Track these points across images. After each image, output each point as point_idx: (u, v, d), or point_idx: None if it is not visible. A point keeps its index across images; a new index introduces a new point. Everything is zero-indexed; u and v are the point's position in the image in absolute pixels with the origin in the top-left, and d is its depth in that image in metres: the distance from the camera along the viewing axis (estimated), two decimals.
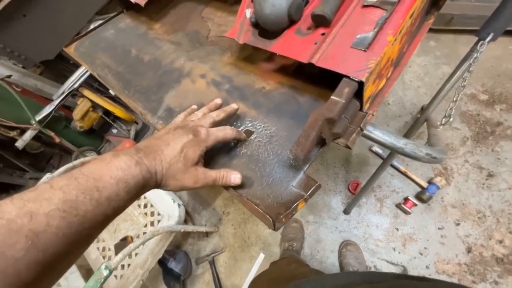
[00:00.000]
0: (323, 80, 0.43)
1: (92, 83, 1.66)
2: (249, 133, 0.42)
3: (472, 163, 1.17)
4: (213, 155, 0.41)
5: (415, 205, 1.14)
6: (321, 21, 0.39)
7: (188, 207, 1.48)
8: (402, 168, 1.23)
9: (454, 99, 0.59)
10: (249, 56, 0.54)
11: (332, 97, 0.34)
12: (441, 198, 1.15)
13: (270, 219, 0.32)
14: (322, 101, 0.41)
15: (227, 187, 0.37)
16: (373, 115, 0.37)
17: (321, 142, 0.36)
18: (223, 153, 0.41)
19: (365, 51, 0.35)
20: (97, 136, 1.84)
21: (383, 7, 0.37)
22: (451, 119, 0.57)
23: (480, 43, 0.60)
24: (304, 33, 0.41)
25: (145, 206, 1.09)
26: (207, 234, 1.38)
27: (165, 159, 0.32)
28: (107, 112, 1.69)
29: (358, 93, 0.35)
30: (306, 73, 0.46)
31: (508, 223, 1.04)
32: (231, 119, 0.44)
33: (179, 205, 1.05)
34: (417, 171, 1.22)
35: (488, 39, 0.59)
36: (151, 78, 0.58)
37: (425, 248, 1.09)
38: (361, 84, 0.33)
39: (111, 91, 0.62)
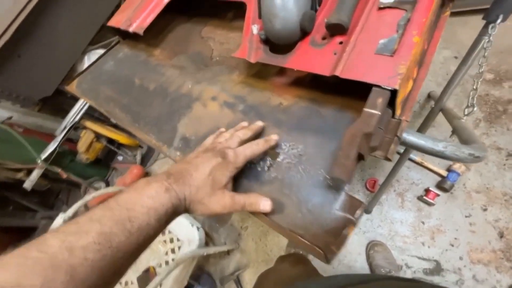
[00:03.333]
0: (343, 88, 0.41)
1: (92, 113, 1.65)
2: (275, 154, 0.40)
3: (489, 144, 1.14)
4: (242, 183, 0.39)
5: (438, 195, 1.11)
6: (337, 30, 0.37)
7: (204, 226, 1.44)
8: (418, 159, 1.20)
9: (474, 87, 0.57)
10: (259, 72, 0.52)
11: (365, 109, 0.32)
12: (463, 185, 1.12)
13: (321, 251, 0.29)
14: (348, 111, 0.39)
15: (264, 218, 0.34)
16: (407, 121, 0.35)
17: (359, 158, 0.34)
18: (252, 180, 0.39)
19: (391, 56, 0.33)
20: (103, 165, 1.82)
21: (402, 7, 0.35)
22: (475, 108, 0.54)
23: (490, 26, 0.58)
24: (320, 44, 0.39)
25: (163, 233, 1.06)
26: (228, 252, 1.34)
27: (194, 183, 0.32)
28: (111, 141, 1.68)
29: (390, 101, 0.33)
30: (324, 83, 0.44)
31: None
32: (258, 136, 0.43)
33: (198, 228, 1.02)
34: (434, 160, 1.19)
35: (498, 21, 0.57)
36: (159, 107, 0.56)
37: (455, 238, 1.05)
38: (394, 92, 0.31)
39: (117, 122, 0.60)
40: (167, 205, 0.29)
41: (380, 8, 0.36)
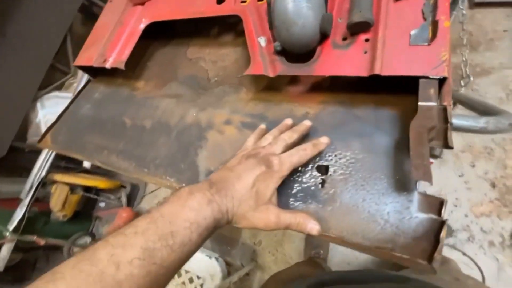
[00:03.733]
0: (367, 85, 0.40)
1: (59, 164, 1.47)
2: (323, 169, 0.37)
3: (461, 107, 1.25)
4: (300, 208, 0.35)
5: (432, 163, 1.18)
6: (361, 28, 0.35)
7: (215, 252, 1.36)
8: None
9: (463, 59, 0.60)
10: (269, 85, 0.49)
11: (421, 103, 0.30)
12: None
13: (425, 262, 0.27)
14: (384, 108, 0.38)
15: (343, 242, 0.31)
16: (451, 105, 0.35)
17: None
18: (311, 202, 0.36)
19: (429, 45, 0.32)
20: (84, 217, 1.63)
21: None
22: (471, 78, 0.58)
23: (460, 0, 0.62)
24: (344, 45, 0.37)
25: (179, 275, 0.97)
26: (248, 273, 1.28)
27: (236, 195, 0.31)
28: (87, 188, 1.50)
29: None
30: (345, 83, 0.43)
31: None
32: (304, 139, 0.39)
33: (217, 259, 0.95)
34: None
35: None
36: (167, 145, 0.50)
37: (456, 199, 1.13)
38: (442, 80, 0.31)
39: (120, 172, 0.52)
40: (209, 219, 0.28)
41: (396, 0, 0.36)
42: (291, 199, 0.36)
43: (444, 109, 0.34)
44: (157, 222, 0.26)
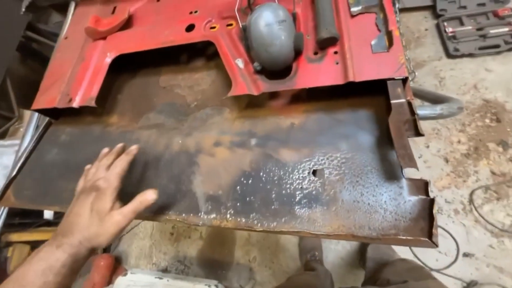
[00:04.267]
0: (341, 90, 0.45)
1: (12, 221, 1.28)
2: (320, 172, 0.40)
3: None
4: (306, 213, 0.37)
5: None
6: (329, 42, 0.40)
7: (213, 280, 1.29)
8: None
9: (406, 58, 0.70)
10: (251, 102, 0.51)
11: (393, 101, 0.35)
12: None
13: (426, 239, 0.31)
14: (360, 109, 0.43)
15: (351, 237, 0.34)
16: (413, 99, 0.40)
17: None
18: (316, 206, 0.37)
19: (388, 51, 0.37)
20: None
21: (370, 11, 0.41)
22: (416, 73, 0.67)
23: None
24: (317, 59, 0.41)
25: None
26: None
27: (82, 226, 0.35)
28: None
29: None
30: (320, 92, 0.47)
31: (454, 126, 1.31)
32: (135, 159, 0.45)
33: (216, 286, 0.91)
34: None
35: None
36: (157, 177, 0.48)
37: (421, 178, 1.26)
38: (405, 80, 0.36)
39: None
40: (63, 257, 0.32)
41: (353, 16, 0.41)
42: (296, 207, 0.38)
43: (410, 103, 0.40)
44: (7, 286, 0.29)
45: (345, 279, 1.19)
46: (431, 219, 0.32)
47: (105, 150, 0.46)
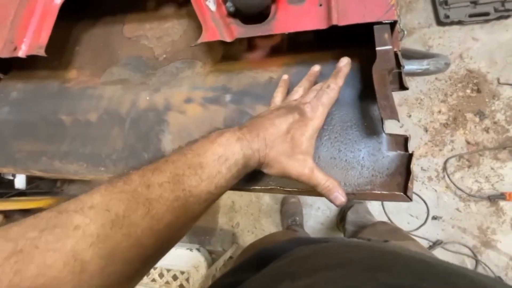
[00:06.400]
0: (324, 41, 0.41)
1: None
2: None
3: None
4: None
5: None
6: None
7: (194, 244, 1.33)
8: None
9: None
10: (226, 54, 0.46)
11: (378, 48, 0.32)
12: None
13: (401, 193, 0.30)
14: None
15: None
16: (399, 50, 0.37)
17: None
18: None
19: None
20: None
21: None
22: (405, 32, 0.63)
23: None
24: (297, 0, 0.36)
25: (161, 275, 0.92)
26: (231, 257, 1.28)
27: (270, 137, 0.30)
28: (27, 211, 1.28)
29: None
30: (303, 42, 0.43)
31: (437, 96, 1.32)
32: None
33: (198, 249, 0.92)
34: None
35: None
36: (122, 137, 0.44)
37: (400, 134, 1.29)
38: (393, 24, 0.32)
39: (69, 177, 0.45)
40: (238, 154, 0.28)
41: None
42: None
43: (396, 54, 0.37)
44: (187, 154, 0.27)
45: None
46: (408, 174, 0.31)
47: (317, 67, 0.37)
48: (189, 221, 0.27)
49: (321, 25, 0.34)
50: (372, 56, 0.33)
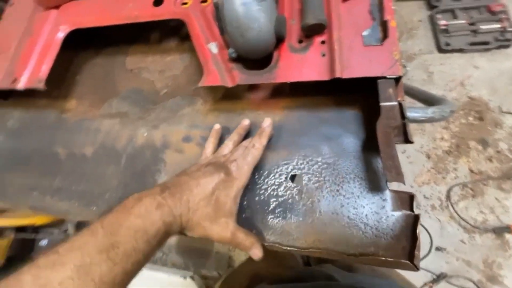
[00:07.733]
0: (328, 85, 0.40)
1: None
2: (299, 178, 0.36)
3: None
4: (284, 225, 0.33)
5: None
6: (316, 30, 0.35)
7: (189, 268, 1.28)
8: None
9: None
10: (227, 93, 0.45)
11: (382, 104, 0.31)
12: None
13: (407, 262, 0.28)
14: (346, 108, 0.38)
15: (331, 253, 0.30)
16: (404, 99, 0.36)
17: None
18: (292, 217, 0.34)
19: (381, 45, 0.33)
20: (22, 263, 1.35)
21: None
22: (408, 68, 0.63)
23: None
24: (301, 48, 0.36)
25: None
26: None
27: (194, 199, 0.29)
28: (21, 228, 1.25)
29: None
30: (305, 86, 0.42)
31: (439, 122, 1.31)
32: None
33: (192, 278, 0.89)
34: None
35: None
36: (117, 174, 0.43)
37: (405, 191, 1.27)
38: (398, 79, 0.32)
39: (58, 216, 0.43)
40: (158, 224, 0.26)
41: (344, 0, 0.36)
42: (270, 217, 0.34)
43: (400, 105, 0.36)
44: (97, 234, 0.23)
45: None
46: (414, 238, 0.29)
47: (247, 121, 0.38)
48: None
49: (324, 76, 0.33)
50: (375, 104, 0.32)
